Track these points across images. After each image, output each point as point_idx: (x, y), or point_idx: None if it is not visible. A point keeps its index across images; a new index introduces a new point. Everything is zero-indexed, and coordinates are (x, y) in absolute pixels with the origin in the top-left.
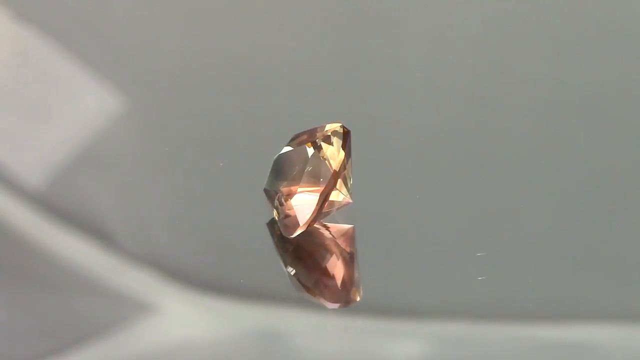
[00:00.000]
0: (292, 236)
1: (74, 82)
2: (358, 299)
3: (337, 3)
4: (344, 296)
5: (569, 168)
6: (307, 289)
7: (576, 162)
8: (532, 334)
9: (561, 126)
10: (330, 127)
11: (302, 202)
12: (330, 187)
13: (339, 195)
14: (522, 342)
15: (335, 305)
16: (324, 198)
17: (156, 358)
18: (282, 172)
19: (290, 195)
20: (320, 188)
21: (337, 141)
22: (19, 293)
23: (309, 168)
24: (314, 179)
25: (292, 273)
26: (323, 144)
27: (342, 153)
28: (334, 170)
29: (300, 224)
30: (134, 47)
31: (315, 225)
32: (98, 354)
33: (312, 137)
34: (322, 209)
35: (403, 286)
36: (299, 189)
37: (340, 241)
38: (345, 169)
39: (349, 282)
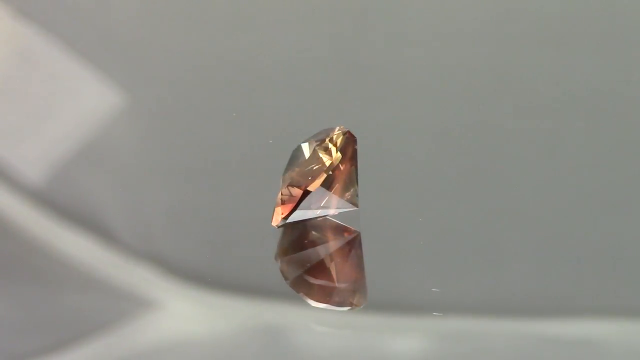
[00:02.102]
0: (276, 225)
1: (74, 78)
2: (357, 303)
3: (349, 4)
4: (339, 297)
5: (570, 167)
6: (288, 280)
7: (577, 160)
8: (532, 330)
9: (566, 126)
10: (338, 129)
11: (289, 195)
12: (316, 186)
13: (339, 197)
14: (522, 337)
15: (320, 304)
16: (311, 196)
17: (156, 353)
18: (290, 163)
19: (283, 186)
20: (307, 185)
21: (338, 144)
22: (19, 289)
23: (305, 164)
24: (307, 176)
25: (278, 262)
26: (324, 145)
27: (340, 156)
28: (324, 171)
29: (280, 216)
30: (134, 44)
31: (321, 223)
32: (98, 350)
33: (322, 136)
34: (309, 207)
35: (404, 283)
36: (291, 182)
37: (343, 243)
38: (341, 171)
39: (347, 285)
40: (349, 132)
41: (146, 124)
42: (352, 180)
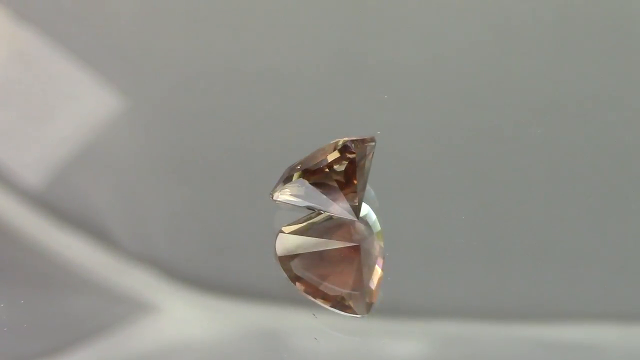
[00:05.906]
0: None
1: (73, 81)
2: (358, 311)
3: (353, 6)
4: (334, 297)
5: (571, 170)
6: (277, 256)
7: (578, 163)
8: (533, 334)
9: (568, 128)
10: (364, 138)
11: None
12: (294, 170)
13: (341, 203)
14: (523, 341)
15: (306, 296)
16: (307, 189)
17: (155, 357)
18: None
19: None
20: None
21: (356, 145)
22: (18, 292)
23: (312, 155)
24: (305, 163)
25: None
26: (335, 144)
27: (338, 157)
28: (320, 159)
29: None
30: (134, 46)
31: (330, 221)
32: (97, 353)
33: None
34: (304, 198)
35: (403, 287)
36: (293, 164)
37: (348, 246)
38: (347, 178)
39: (347, 288)
40: (357, 140)
41: (146, 127)
42: (356, 190)
